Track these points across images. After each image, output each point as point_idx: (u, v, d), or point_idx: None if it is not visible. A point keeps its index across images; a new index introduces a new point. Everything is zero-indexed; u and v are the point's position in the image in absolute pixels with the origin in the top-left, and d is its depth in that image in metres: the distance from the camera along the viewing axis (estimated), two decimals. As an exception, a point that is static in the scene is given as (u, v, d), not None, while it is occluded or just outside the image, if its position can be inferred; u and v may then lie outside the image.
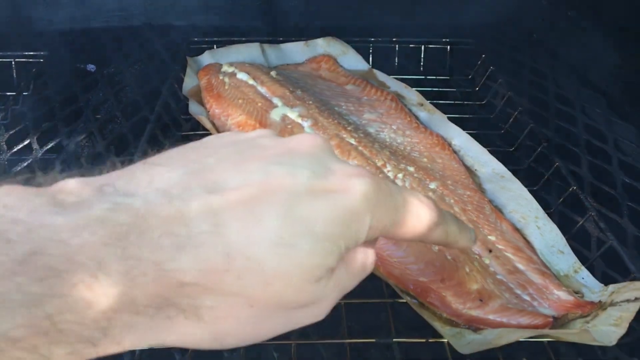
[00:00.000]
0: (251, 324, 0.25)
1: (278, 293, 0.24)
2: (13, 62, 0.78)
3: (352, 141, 0.59)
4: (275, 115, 0.63)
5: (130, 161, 0.27)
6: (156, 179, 0.24)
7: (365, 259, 0.29)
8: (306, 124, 0.61)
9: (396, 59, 0.85)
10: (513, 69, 0.84)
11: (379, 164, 0.56)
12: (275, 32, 0.94)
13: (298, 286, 0.25)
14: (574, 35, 0.85)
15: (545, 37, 0.91)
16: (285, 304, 0.25)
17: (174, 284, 0.22)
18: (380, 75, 0.78)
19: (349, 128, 0.61)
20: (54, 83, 0.77)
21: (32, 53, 0.80)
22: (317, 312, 0.28)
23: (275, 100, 0.66)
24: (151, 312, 0.22)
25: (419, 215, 0.29)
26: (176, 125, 0.67)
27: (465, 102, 0.77)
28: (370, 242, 0.29)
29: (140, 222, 0.22)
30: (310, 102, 0.65)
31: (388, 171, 0.55)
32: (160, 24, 0.96)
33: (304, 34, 0.87)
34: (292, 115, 0.62)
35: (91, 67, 0.81)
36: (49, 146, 0.65)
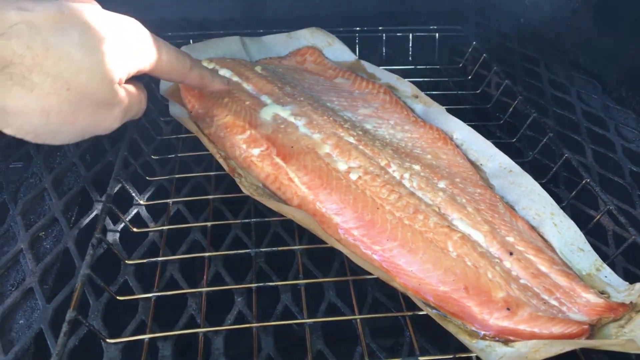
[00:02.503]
0: (69, 105, 0.37)
1: (86, 81, 0.37)
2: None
3: (352, 140, 0.55)
4: (265, 114, 0.58)
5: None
6: None
7: (141, 91, 0.45)
8: (300, 122, 0.57)
9: (383, 48, 0.81)
10: (503, 55, 0.82)
11: (383, 163, 0.52)
12: (252, 23, 0.89)
13: (99, 79, 0.38)
14: (563, 19, 0.83)
15: (532, 21, 0.89)
16: (91, 94, 0.38)
17: (7, 52, 0.33)
18: (369, 67, 0.74)
19: (345, 125, 0.57)
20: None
21: None
22: (114, 116, 0.42)
23: (264, 98, 0.61)
24: None
25: (177, 56, 0.47)
26: (156, 129, 0.62)
27: (459, 92, 0.74)
28: (141, 80, 0.46)
29: None
30: (302, 98, 0.61)
31: (393, 171, 0.51)
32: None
33: (284, 24, 0.83)
34: (284, 113, 0.58)
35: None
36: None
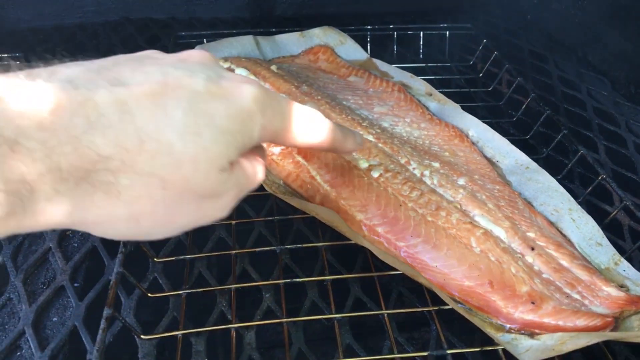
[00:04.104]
0: (164, 206, 0.28)
1: (187, 176, 0.27)
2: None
3: (371, 138, 0.55)
4: (284, 113, 0.59)
5: None
6: (57, 73, 0.25)
7: (256, 166, 0.33)
8: (319, 121, 0.57)
9: (394, 46, 0.82)
10: (513, 52, 0.83)
11: (402, 161, 0.53)
12: (262, 22, 0.90)
13: (204, 172, 0.28)
14: (571, 16, 0.84)
15: (540, 19, 0.89)
16: (194, 188, 0.28)
17: (91, 156, 0.24)
18: (382, 65, 0.75)
19: (364, 124, 0.58)
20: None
21: (5, 55, 0.73)
22: (221, 206, 0.31)
23: (282, 97, 0.62)
24: (73, 181, 0.24)
25: (305, 122, 0.34)
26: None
27: (472, 90, 0.75)
28: (261, 151, 0.34)
29: (50, 102, 0.23)
30: (319, 97, 0.62)
31: (413, 168, 0.52)
32: (139, 17, 0.90)
33: (294, 23, 0.83)
34: (302, 112, 0.59)
35: (71, 68, 0.75)
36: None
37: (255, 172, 0.33)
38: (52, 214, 0.24)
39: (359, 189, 0.50)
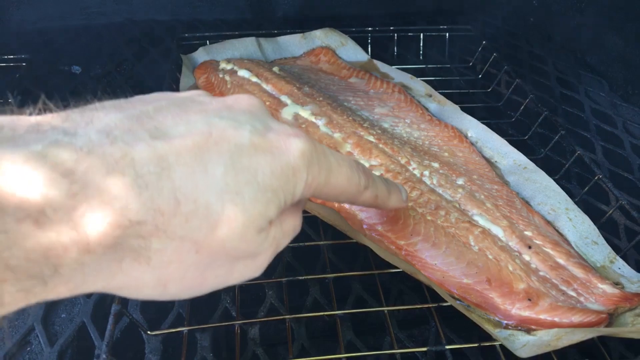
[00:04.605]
0: (195, 270, 0.25)
1: (223, 238, 0.25)
2: (-7, 67, 0.72)
3: (371, 138, 0.56)
4: (286, 114, 0.60)
5: None
6: (95, 120, 0.23)
7: (296, 220, 0.31)
8: (320, 122, 0.58)
9: (395, 48, 0.83)
10: (512, 54, 0.84)
11: (403, 161, 0.54)
12: (264, 24, 0.91)
13: (242, 233, 0.25)
14: (569, 18, 0.85)
15: (538, 20, 0.90)
16: (229, 251, 0.26)
17: (123, 222, 0.21)
18: (382, 66, 0.76)
19: (365, 125, 0.59)
20: (40, 87, 0.71)
21: (12, 57, 0.74)
22: (256, 266, 0.28)
23: (284, 99, 0.63)
24: (100, 251, 0.21)
25: (349, 177, 0.31)
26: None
27: (471, 91, 0.76)
28: (300, 203, 0.31)
29: (84, 160, 0.21)
30: (321, 98, 0.63)
31: (413, 168, 0.53)
32: (143, 19, 0.91)
33: (295, 25, 0.84)
34: (304, 113, 0.60)
35: (76, 69, 0.76)
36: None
37: (294, 226, 0.31)
38: (75, 285, 0.22)
39: (360, 189, 0.51)
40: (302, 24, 0.83)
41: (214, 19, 0.93)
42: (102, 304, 0.45)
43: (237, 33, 0.80)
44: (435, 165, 0.54)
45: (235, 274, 0.28)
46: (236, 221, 0.25)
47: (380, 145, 0.56)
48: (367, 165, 0.53)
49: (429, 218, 0.48)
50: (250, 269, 0.28)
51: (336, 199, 0.32)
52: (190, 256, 0.24)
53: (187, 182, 0.23)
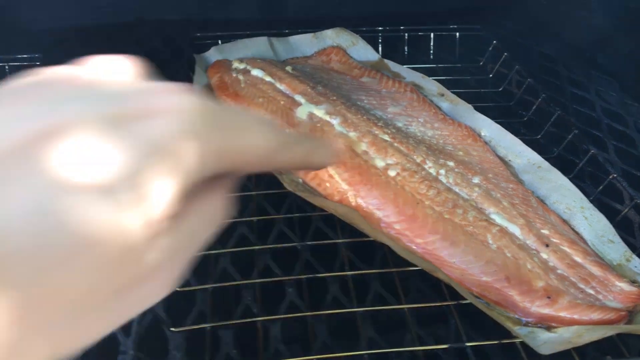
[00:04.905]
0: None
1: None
2: (7, 67, 0.72)
3: (387, 137, 0.57)
4: (301, 113, 0.60)
5: None
6: None
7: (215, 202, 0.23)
8: (335, 121, 0.59)
9: (405, 47, 0.83)
10: (522, 54, 0.84)
11: (418, 160, 0.54)
12: (275, 24, 0.91)
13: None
14: (580, 17, 0.85)
15: (549, 20, 0.91)
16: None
17: None
18: (393, 66, 0.76)
19: (379, 124, 0.59)
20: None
21: (25, 56, 0.75)
22: (158, 288, 0.20)
23: (298, 98, 0.63)
24: None
25: (255, 137, 0.23)
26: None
27: (482, 90, 0.76)
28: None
29: None
30: (334, 97, 0.63)
31: (429, 167, 0.54)
32: (154, 18, 0.91)
33: (306, 24, 0.85)
34: (319, 113, 0.60)
35: (89, 68, 0.77)
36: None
37: (212, 214, 0.22)
38: None
39: (377, 188, 0.51)
40: (313, 24, 0.83)
41: (225, 19, 0.93)
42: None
43: (248, 33, 0.80)
44: (451, 164, 0.55)
45: (130, 302, 0.19)
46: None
47: (396, 144, 0.56)
48: (383, 164, 0.53)
49: (446, 217, 0.48)
50: (151, 292, 0.20)
51: (247, 164, 0.23)
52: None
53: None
